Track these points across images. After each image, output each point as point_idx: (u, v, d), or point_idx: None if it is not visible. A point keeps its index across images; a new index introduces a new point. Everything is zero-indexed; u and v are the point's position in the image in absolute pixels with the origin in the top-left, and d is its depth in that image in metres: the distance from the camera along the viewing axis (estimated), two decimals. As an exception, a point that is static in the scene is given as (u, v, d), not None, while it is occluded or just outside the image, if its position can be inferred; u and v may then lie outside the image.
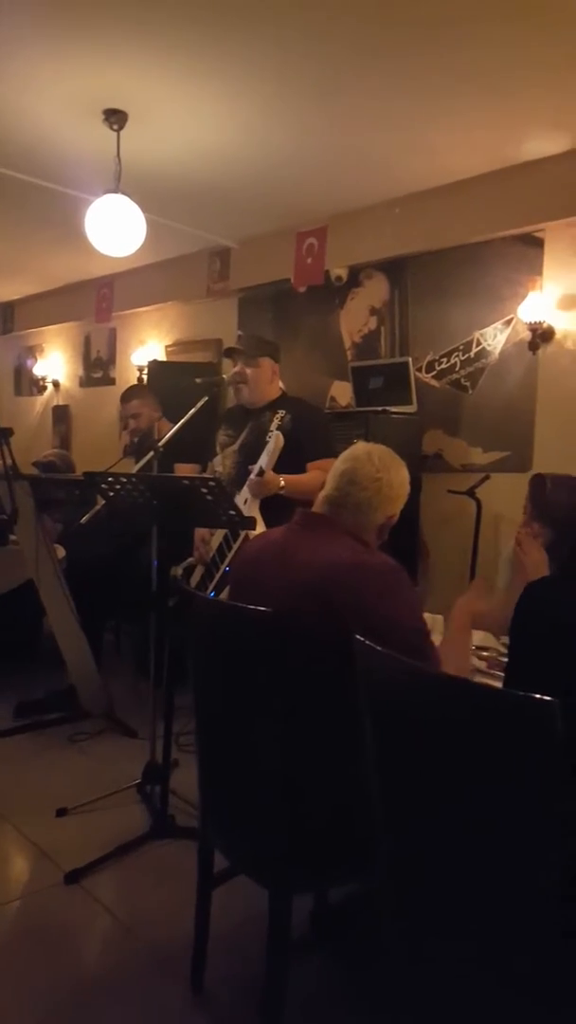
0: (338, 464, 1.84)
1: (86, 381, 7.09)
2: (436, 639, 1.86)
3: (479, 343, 4.21)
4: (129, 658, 4.43)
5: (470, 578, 4.01)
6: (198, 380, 3.15)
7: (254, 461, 2.98)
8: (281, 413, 3.09)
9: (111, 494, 2.59)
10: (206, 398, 2.98)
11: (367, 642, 1.31)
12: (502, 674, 1.85)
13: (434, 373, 4.41)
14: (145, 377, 5.90)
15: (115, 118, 3.40)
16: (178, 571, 3.17)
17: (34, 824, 2.66)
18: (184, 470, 3.66)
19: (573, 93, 3.09)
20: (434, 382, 4.40)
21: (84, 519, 3.13)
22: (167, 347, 6.12)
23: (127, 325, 6.50)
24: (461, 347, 4.28)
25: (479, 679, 2.01)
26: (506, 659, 1.65)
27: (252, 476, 2.94)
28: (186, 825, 2.55)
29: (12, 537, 3.76)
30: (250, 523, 2.54)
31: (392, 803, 1.31)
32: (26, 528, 3.41)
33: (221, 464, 3.27)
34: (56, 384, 7.43)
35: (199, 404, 2.96)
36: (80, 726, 3.51)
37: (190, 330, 5.96)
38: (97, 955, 2.09)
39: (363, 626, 1.37)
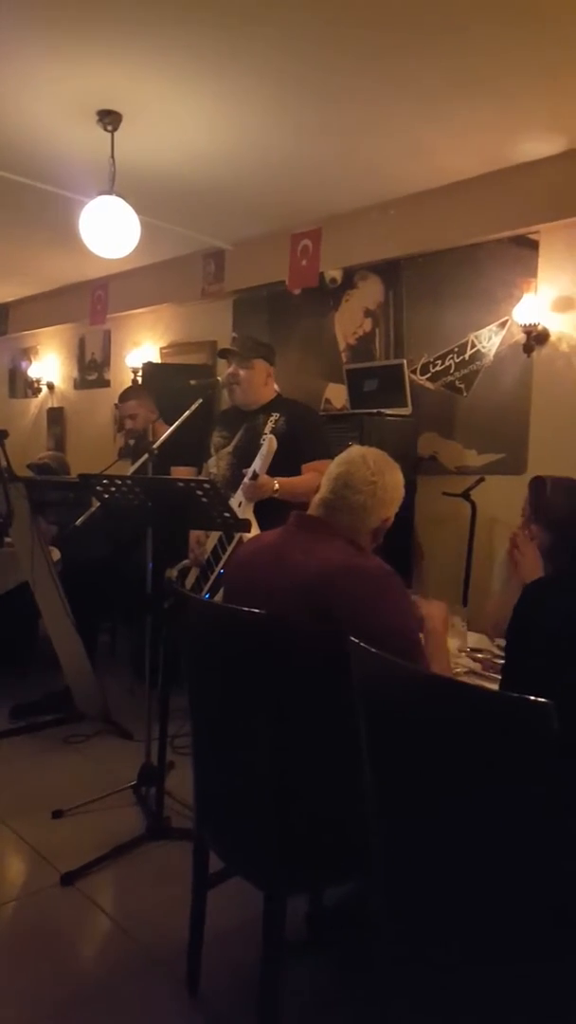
0: (333, 467, 1.85)
1: (81, 383, 7.09)
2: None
3: (474, 345, 4.21)
4: (124, 660, 4.43)
5: (465, 580, 4.02)
6: (193, 382, 3.15)
7: (248, 464, 2.98)
8: (275, 416, 3.09)
9: (106, 496, 2.59)
10: (201, 400, 2.97)
11: (361, 644, 1.32)
12: (497, 676, 1.86)
13: (429, 375, 4.42)
14: (140, 379, 5.90)
15: (109, 119, 3.40)
16: (173, 573, 3.17)
17: (30, 826, 2.66)
18: (181, 473, 3.65)
19: (567, 95, 3.11)
20: (429, 384, 4.41)
21: (79, 521, 3.12)
22: (162, 349, 6.12)
23: (122, 327, 6.49)
24: (456, 349, 4.29)
25: (474, 681, 2.02)
26: (501, 661, 1.66)
27: (246, 480, 2.94)
28: (181, 827, 2.56)
29: (7, 539, 3.76)
30: (244, 525, 2.55)
31: (386, 805, 1.32)
32: (21, 530, 3.42)
33: (215, 466, 3.27)
34: (51, 386, 7.42)
35: (194, 406, 2.96)
36: (76, 728, 3.51)
37: (185, 332, 5.96)
38: (93, 956, 2.09)
39: (356, 629, 1.38)
